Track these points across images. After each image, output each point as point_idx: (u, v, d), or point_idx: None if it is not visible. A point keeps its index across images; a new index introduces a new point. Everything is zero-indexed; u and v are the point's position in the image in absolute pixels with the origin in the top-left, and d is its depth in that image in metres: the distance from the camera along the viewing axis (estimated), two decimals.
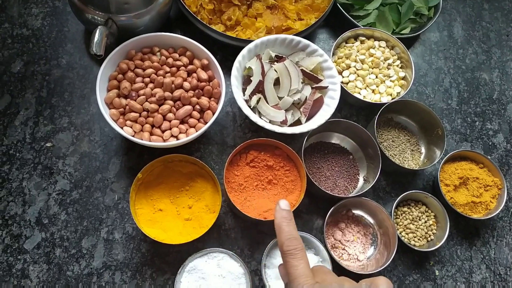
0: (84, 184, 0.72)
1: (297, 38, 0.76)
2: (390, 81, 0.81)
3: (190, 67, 0.72)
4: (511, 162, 0.84)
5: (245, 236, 0.72)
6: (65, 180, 0.72)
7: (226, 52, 0.82)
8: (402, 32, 0.88)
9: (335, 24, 0.89)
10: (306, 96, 0.74)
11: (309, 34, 0.87)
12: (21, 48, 0.79)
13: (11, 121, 0.74)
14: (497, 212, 0.75)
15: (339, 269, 0.69)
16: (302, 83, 0.75)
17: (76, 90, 0.77)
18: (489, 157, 0.82)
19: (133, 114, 0.68)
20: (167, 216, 0.68)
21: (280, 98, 0.74)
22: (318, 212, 0.75)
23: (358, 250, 0.73)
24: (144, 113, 0.68)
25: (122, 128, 0.67)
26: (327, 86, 0.76)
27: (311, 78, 0.75)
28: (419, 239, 0.74)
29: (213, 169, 0.75)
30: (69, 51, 0.80)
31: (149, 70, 0.70)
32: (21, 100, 0.75)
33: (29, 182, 0.71)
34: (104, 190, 0.72)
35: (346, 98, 0.79)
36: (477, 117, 0.87)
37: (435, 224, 0.75)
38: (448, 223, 0.73)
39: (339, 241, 0.73)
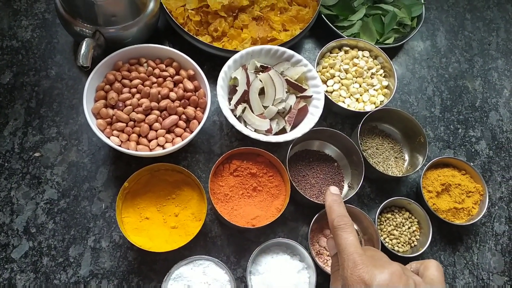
0: (72, 193, 0.73)
1: (282, 49, 0.78)
2: (374, 90, 0.83)
3: (176, 77, 0.74)
4: (494, 168, 0.86)
5: (231, 244, 0.73)
6: (53, 189, 0.73)
7: (214, 63, 0.84)
8: (385, 42, 0.90)
9: (321, 34, 0.91)
10: (291, 105, 0.76)
11: (295, 44, 0.89)
12: (10, 59, 0.80)
13: (0, 131, 0.75)
14: (479, 217, 0.76)
15: (323, 276, 0.70)
16: (286, 92, 0.77)
17: (64, 100, 0.79)
18: (471, 163, 0.84)
19: (119, 124, 0.69)
20: (154, 224, 0.69)
21: (265, 108, 0.75)
22: (304, 219, 0.76)
23: None
24: (131, 123, 0.70)
25: (109, 137, 0.69)
26: (312, 95, 0.77)
27: (295, 87, 0.77)
28: (402, 245, 0.75)
29: (200, 178, 0.77)
30: (58, 62, 0.81)
31: (136, 81, 0.71)
32: (10, 110, 0.76)
33: (17, 191, 0.71)
34: (91, 199, 0.73)
35: (331, 107, 0.81)
36: (460, 124, 0.89)
37: (418, 230, 0.77)
38: (431, 228, 0.74)
39: (324, 247, 0.74)
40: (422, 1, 0.94)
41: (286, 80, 0.76)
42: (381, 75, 0.85)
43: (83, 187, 0.73)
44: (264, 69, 0.78)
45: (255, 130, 0.74)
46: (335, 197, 0.55)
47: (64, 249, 0.69)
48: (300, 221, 0.76)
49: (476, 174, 0.79)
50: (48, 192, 0.72)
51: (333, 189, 0.56)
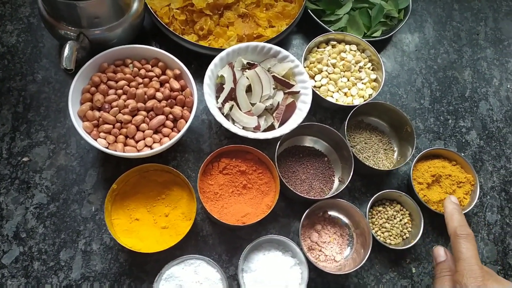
0: (61, 196, 0.73)
1: (268, 45, 0.78)
2: (362, 83, 0.83)
3: (162, 77, 0.73)
4: (485, 158, 0.86)
5: (222, 242, 0.73)
6: (42, 193, 0.72)
7: (201, 61, 0.84)
8: (373, 35, 0.90)
9: (308, 30, 0.91)
10: (279, 102, 0.76)
11: (282, 40, 0.88)
12: None
13: None
14: (471, 207, 0.76)
15: (315, 272, 0.70)
16: (274, 89, 0.77)
17: (52, 104, 0.78)
18: (462, 154, 0.84)
19: (106, 126, 0.69)
20: (144, 225, 0.69)
21: (252, 105, 0.75)
22: (295, 215, 0.76)
23: (335, 251, 0.74)
24: (118, 124, 0.70)
25: (96, 140, 0.68)
26: (299, 91, 0.77)
27: (283, 83, 0.77)
28: (394, 238, 0.75)
29: (190, 177, 0.77)
30: (44, 66, 0.81)
31: (122, 82, 0.71)
32: None
33: (6, 197, 0.71)
34: (81, 202, 0.73)
35: (319, 102, 0.81)
36: (449, 115, 0.89)
37: (410, 222, 0.77)
38: (422, 220, 0.74)
39: (316, 242, 0.74)
40: None
41: (273, 76, 0.76)
42: (369, 68, 0.84)
43: (72, 190, 0.73)
44: (251, 66, 0.78)
45: (243, 128, 0.74)
46: (455, 206, 0.60)
47: (55, 253, 0.69)
48: (292, 217, 0.76)
49: (467, 164, 0.79)
50: (38, 197, 0.72)
51: (453, 198, 0.62)
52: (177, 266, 0.67)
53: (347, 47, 0.85)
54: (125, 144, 0.69)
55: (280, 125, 0.75)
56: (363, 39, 0.84)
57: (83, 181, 0.74)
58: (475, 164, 0.85)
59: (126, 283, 0.69)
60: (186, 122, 0.71)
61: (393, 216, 0.77)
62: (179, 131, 0.71)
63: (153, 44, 0.86)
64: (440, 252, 0.60)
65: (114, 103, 0.70)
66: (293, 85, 0.77)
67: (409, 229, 0.76)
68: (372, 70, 0.85)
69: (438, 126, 0.87)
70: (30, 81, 0.80)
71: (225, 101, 0.74)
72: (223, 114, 0.74)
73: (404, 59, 0.93)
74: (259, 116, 0.75)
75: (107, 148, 0.68)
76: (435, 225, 0.79)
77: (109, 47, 0.73)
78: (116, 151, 0.68)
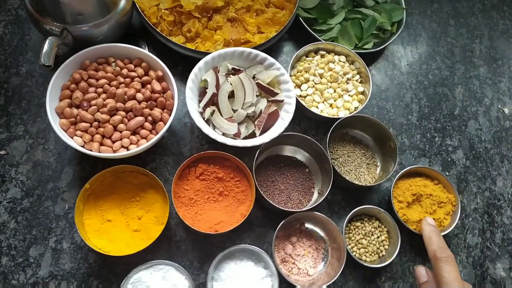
0: (36, 192, 0.72)
1: (255, 52, 0.77)
2: (349, 95, 0.82)
3: (144, 78, 0.73)
4: (469, 179, 0.84)
5: (195, 248, 0.72)
6: (17, 188, 0.72)
7: (188, 64, 0.82)
8: (364, 46, 0.89)
9: (299, 38, 0.90)
10: (261, 109, 0.75)
11: (272, 47, 0.87)
12: None
13: None
14: (451, 228, 0.75)
15: (286, 284, 0.69)
16: (257, 96, 0.76)
17: (34, 98, 0.78)
18: (446, 173, 0.83)
19: (83, 124, 0.68)
20: (116, 227, 0.68)
21: (234, 111, 0.74)
22: (272, 225, 0.75)
23: (308, 265, 0.73)
24: (95, 123, 0.69)
25: (72, 138, 0.68)
26: (283, 100, 0.76)
27: (267, 91, 0.76)
28: (370, 255, 0.74)
29: (168, 180, 0.76)
30: (29, 59, 0.80)
31: (102, 81, 0.70)
32: None
33: None
34: (55, 199, 0.72)
35: (304, 111, 0.80)
36: (437, 132, 0.87)
37: (387, 240, 0.76)
38: (400, 238, 0.73)
39: (290, 255, 0.73)
40: (404, 6, 0.92)
41: (258, 83, 0.75)
42: (357, 80, 0.83)
43: (47, 187, 0.72)
44: (236, 71, 0.77)
45: (223, 134, 0.73)
46: (432, 228, 0.62)
47: (25, 249, 0.68)
48: (268, 227, 0.75)
49: (449, 184, 0.77)
50: (12, 191, 0.71)
51: (430, 219, 0.65)
52: (145, 271, 0.66)
53: (336, 57, 0.84)
54: (101, 144, 0.68)
55: (261, 133, 0.74)
56: (353, 51, 0.83)
57: (58, 178, 0.73)
58: (459, 184, 0.84)
59: (94, 284, 0.68)
60: (165, 124, 0.70)
61: (370, 233, 0.75)
62: (157, 133, 0.70)
63: (142, 43, 0.85)
64: (422, 272, 0.61)
65: (93, 102, 0.69)
66: (277, 94, 0.76)
67: (386, 246, 0.75)
68: (360, 82, 0.83)
69: (424, 143, 0.86)
70: (14, 74, 0.79)
71: (206, 105, 0.73)
72: (204, 118, 0.73)
73: (395, 73, 0.91)
74: (240, 123, 0.74)
75: (83, 147, 0.68)
76: (413, 244, 0.77)
77: (95, 44, 0.72)
78: (91, 150, 0.67)
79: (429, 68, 0.93)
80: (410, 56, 0.94)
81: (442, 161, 0.85)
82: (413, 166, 0.78)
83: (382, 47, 0.88)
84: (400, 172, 0.77)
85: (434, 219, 0.76)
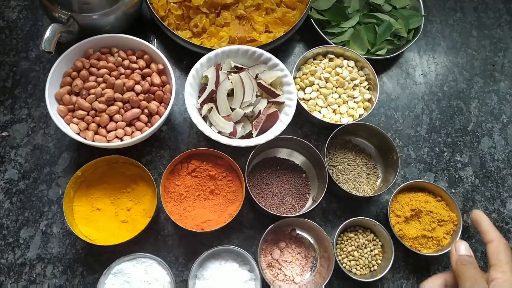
0: (32, 175, 0.73)
1: (259, 51, 0.75)
2: (354, 102, 0.79)
3: (145, 70, 0.73)
4: (477, 198, 0.80)
5: (182, 245, 0.72)
6: (15, 170, 0.73)
7: (193, 58, 0.81)
8: (377, 53, 0.85)
9: (310, 39, 0.88)
10: (260, 110, 0.73)
11: (283, 48, 0.86)
12: None
13: None
14: (450, 249, 0.71)
15: None
16: (258, 96, 0.74)
17: (40, 83, 0.79)
18: (452, 190, 0.79)
19: (80, 112, 0.69)
20: (104, 216, 0.69)
21: (232, 110, 0.73)
22: (262, 228, 0.73)
23: (295, 272, 0.71)
24: (92, 112, 0.69)
25: (68, 124, 0.68)
26: (284, 102, 0.74)
27: (268, 92, 0.74)
28: (361, 268, 0.71)
29: (161, 174, 0.75)
30: (39, 45, 0.82)
31: (103, 70, 0.71)
32: None
33: None
34: (50, 184, 0.73)
35: (308, 116, 0.78)
36: (446, 147, 0.83)
37: (380, 254, 0.73)
38: (393, 254, 0.70)
39: (277, 260, 0.71)
40: (423, 14, 0.88)
41: (259, 83, 0.74)
42: (364, 87, 0.80)
43: (43, 170, 0.74)
44: (239, 70, 0.76)
45: (219, 132, 0.72)
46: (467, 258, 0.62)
47: (16, 230, 0.70)
48: (258, 229, 0.74)
49: (453, 202, 0.74)
50: (10, 172, 0.73)
51: (464, 247, 0.63)
52: (128, 263, 0.66)
53: (345, 62, 0.81)
54: (96, 133, 0.69)
55: (259, 134, 0.73)
56: (364, 56, 0.80)
57: (55, 163, 0.74)
58: (465, 203, 0.80)
59: (79, 270, 0.69)
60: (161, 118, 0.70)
61: (363, 245, 0.73)
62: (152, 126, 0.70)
63: (151, 37, 0.86)
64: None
65: (92, 90, 0.69)
66: (278, 95, 0.74)
67: (379, 261, 0.72)
68: (367, 89, 0.81)
69: (432, 157, 0.82)
70: (23, 58, 0.81)
71: (204, 102, 0.73)
72: (201, 115, 0.73)
73: (407, 82, 0.88)
74: (237, 123, 0.73)
75: (78, 134, 0.68)
76: (409, 261, 0.74)
77: (101, 34, 0.73)
78: (86, 138, 0.68)
79: (445, 80, 0.89)
80: (425, 65, 0.90)
81: (449, 178, 0.81)
82: (416, 180, 0.75)
83: (396, 54, 0.85)
84: (401, 185, 0.74)
85: (432, 237, 0.73)
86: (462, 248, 0.63)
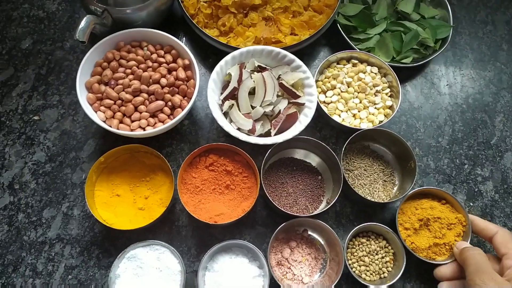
0: (58, 159, 0.77)
1: (283, 52, 0.77)
2: (375, 108, 0.79)
3: (172, 65, 0.75)
4: (496, 213, 0.78)
5: (195, 236, 0.73)
6: (43, 152, 0.77)
7: (220, 57, 0.83)
8: (402, 61, 0.85)
9: (336, 44, 0.88)
10: (280, 110, 0.74)
11: (307, 51, 0.87)
12: (33, 27, 0.86)
13: (9, 91, 0.81)
14: None
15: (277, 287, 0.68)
16: (279, 96, 0.75)
17: (72, 72, 0.83)
18: (470, 204, 0.78)
19: (107, 101, 0.72)
20: (123, 202, 0.71)
21: (253, 108, 0.74)
22: (274, 226, 0.74)
23: (304, 272, 0.71)
24: (119, 101, 0.72)
25: (96, 112, 0.72)
26: (304, 103, 0.75)
27: (289, 93, 0.75)
28: (371, 274, 0.71)
29: (180, 166, 0.77)
30: (74, 35, 0.86)
31: (132, 62, 0.74)
32: (23, 74, 0.82)
33: (11, 148, 0.77)
34: (74, 168, 0.76)
35: (328, 120, 0.78)
36: (467, 160, 0.82)
37: (392, 262, 0.72)
38: (405, 263, 0.69)
39: (286, 259, 0.72)
40: (451, 24, 0.88)
41: (281, 84, 0.75)
42: (386, 94, 0.80)
43: (69, 155, 0.77)
44: (262, 69, 0.77)
45: (238, 129, 0.74)
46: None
47: (40, 209, 0.73)
48: (270, 227, 0.75)
49: (457, 202, 0.71)
50: (38, 154, 0.77)
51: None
52: (142, 249, 0.68)
53: (368, 68, 0.82)
54: (121, 122, 0.72)
55: (277, 134, 0.74)
56: (388, 63, 0.80)
57: (81, 149, 0.78)
58: (483, 218, 0.78)
59: (95, 253, 0.71)
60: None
61: (375, 251, 0.72)
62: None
63: (179, 33, 0.88)
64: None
65: (120, 81, 0.72)
66: (299, 96, 0.75)
67: (390, 268, 0.72)
68: (389, 96, 0.80)
69: (451, 169, 0.81)
70: (59, 48, 0.85)
71: (226, 98, 0.74)
72: (222, 111, 0.74)
73: (432, 92, 0.87)
74: (257, 121, 0.74)
75: (104, 122, 0.71)
76: (420, 271, 0.73)
77: (133, 28, 0.76)
78: (111, 126, 0.70)
79: (470, 92, 0.88)
80: (451, 76, 0.89)
81: (468, 190, 0.80)
82: (418, 188, 0.73)
83: (421, 63, 0.84)
84: (405, 194, 0.72)
85: (444, 243, 0.71)
86: (464, 242, 0.68)
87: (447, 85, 0.88)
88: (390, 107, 0.80)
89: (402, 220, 0.73)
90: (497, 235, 0.65)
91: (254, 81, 0.74)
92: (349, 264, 0.71)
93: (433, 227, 0.72)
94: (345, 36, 0.84)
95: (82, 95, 0.71)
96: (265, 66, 0.77)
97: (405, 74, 0.87)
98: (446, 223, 0.71)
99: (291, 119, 0.75)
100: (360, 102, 0.79)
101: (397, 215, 0.72)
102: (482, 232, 0.68)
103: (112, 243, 0.72)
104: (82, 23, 0.69)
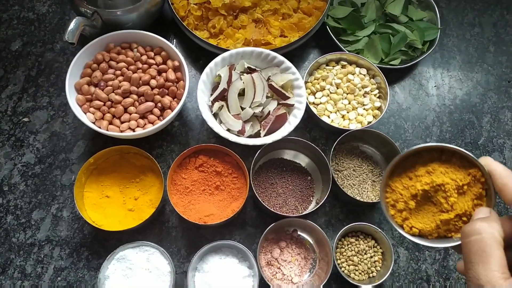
0: (48, 160, 0.77)
1: (273, 54, 0.77)
2: (364, 109, 0.80)
3: (162, 66, 0.75)
4: None
5: (185, 237, 0.74)
6: (32, 154, 0.77)
7: (210, 58, 0.83)
8: (391, 62, 0.86)
9: (326, 46, 0.89)
10: (270, 111, 0.75)
11: (297, 53, 0.88)
12: (23, 29, 0.86)
13: None
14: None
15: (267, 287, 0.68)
16: (268, 97, 0.76)
17: (62, 74, 0.83)
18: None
19: (97, 102, 0.72)
20: (113, 204, 0.71)
21: (242, 109, 0.75)
22: (264, 227, 0.74)
23: (294, 272, 0.72)
24: (108, 103, 0.72)
25: (85, 113, 0.72)
26: (293, 104, 0.76)
27: (279, 94, 0.76)
28: (360, 273, 0.72)
29: (169, 167, 0.78)
30: (63, 36, 0.86)
31: (121, 64, 0.74)
32: (12, 75, 0.82)
33: (0, 150, 0.76)
34: (64, 170, 0.76)
35: (317, 121, 0.79)
36: None
37: (380, 261, 0.73)
38: (393, 263, 0.70)
39: (276, 259, 0.72)
40: (439, 26, 0.89)
41: (270, 85, 0.75)
42: (375, 95, 0.81)
43: (59, 157, 0.77)
44: (252, 71, 0.78)
45: (228, 130, 0.74)
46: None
47: (29, 211, 0.73)
48: (260, 228, 0.75)
49: (465, 154, 0.43)
50: (27, 156, 0.77)
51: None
52: (132, 250, 0.68)
53: (357, 69, 0.82)
54: (111, 123, 0.72)
55: (266, 135, 0.75)
56: (376, 65, 0.81)
57: (70, 151, 0.77)
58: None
59: (85, 255, 0.71)
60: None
61: (364, 251, 0.73)
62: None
63: (170, 35, 0.89)
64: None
65: (110, 82, 0.73)
66: (288, 97, 0.76)
67: (378, 268, 0.72)
68: (378, 97, 0.81)
69: None
70: (49, 49, 0.85)
71: (215, 99, 0.75)
72: (211, 112, 0.75)
73: (420, 93, 0.88)
74: (246, 122, 0.75)
75: (93, 123, 0.71)
76: (409, 270, 0.74)
77: (123, 30, 0.76)
78: (100, 128, 0.71)
79: (458, 93, 0.89)
80: (439, 78, 0.90)
81: None
82: (407, 150, 0.46)
83: (409, 64, 0.85)
84: (390, 164, 0.47)
85: (459, 215, 0.44)
86: (480, 212, 0.41)
87: (435, 86, 0.89)
88: (379, 108, 0.80)
89: (392, 200, 0.48)
90: None
91: (243, 82, 0.75)
92: (338, 264, 0.72)
93: (437, 198, 0.46)
94: (334, 38, 0.85)
95: (72, 97, 0.71)
96: (254, 68, 0.78)
97: (394, 76, 0.88)
98: (453, 187, 0.44)
99: (280, 120, 0.75)
100: (349, 103, 0.80)
101: (382, 195, 0.48)
102: (501, 189, 0.41)
103: (102, 244, 0.72)
104: (72, 25, 0.69)
